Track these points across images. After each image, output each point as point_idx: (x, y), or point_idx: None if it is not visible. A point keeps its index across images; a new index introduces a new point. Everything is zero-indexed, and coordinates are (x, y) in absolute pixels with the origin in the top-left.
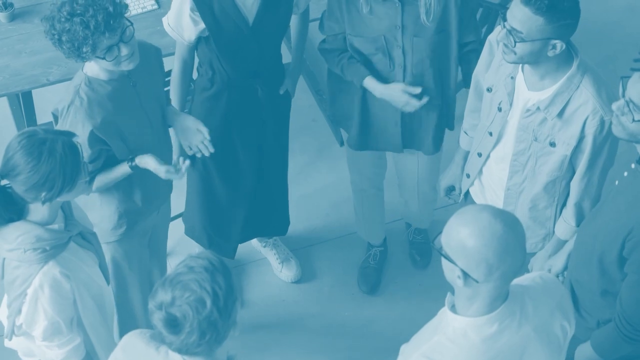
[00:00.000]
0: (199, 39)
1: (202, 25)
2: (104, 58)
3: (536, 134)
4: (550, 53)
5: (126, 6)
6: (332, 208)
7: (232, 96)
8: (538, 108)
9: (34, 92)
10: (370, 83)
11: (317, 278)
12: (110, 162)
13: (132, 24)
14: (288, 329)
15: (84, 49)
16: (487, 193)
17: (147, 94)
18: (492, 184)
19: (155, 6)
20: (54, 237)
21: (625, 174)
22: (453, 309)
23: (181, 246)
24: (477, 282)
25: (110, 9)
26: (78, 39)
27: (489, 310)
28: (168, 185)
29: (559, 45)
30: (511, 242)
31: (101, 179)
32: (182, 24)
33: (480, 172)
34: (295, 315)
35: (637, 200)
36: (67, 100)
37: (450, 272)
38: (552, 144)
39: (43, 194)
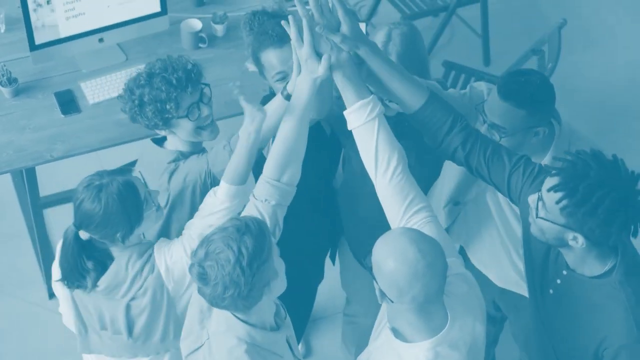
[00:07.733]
0: None
1: None
2: (186, 116)
3: None
4: (534, 140)
5: (201, 72)
6: (332, 283)
7: None
8: None
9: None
10: None
11: (317, 355)
12: None
13: (208, 85)
14: None
15: (168, 106)
16: None
17: None
18: None
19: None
20: None
21: (559, 281)
22: (402, 337)
23: None
24: (392, 302)
25: (189, 66)
26: (161, 96)
27: (434, 332)
28: None
29: (542, 130)
30: (421, 269)
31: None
32: None
33: None
34: None
35: (597, 307)
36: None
37: (376, 290)
38: None
39: (118, 234)
